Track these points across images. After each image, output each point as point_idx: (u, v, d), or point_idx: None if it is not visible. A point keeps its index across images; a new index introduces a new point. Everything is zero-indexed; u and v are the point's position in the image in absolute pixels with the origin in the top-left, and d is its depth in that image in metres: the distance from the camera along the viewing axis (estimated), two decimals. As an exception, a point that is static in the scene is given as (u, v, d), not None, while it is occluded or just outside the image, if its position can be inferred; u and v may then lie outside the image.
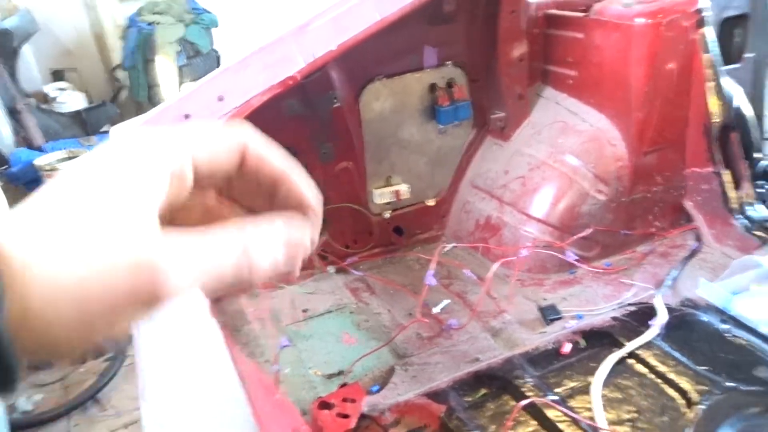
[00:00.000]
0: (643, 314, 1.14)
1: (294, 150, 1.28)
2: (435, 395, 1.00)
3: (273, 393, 0.66)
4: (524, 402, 0.94)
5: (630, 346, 1.04)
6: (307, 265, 1.41)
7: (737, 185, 1.37)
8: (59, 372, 2.43)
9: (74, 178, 0.32)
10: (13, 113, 3.44)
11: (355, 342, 1.20)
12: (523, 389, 0.98)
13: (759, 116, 1.78)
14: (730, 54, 1.86)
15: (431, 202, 1.49)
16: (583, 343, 1.09)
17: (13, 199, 1.96)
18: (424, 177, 1.47)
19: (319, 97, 1.23)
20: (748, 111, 1.54)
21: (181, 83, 4.10)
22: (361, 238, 1.43)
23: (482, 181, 1.48)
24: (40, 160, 3.16)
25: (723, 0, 1.51)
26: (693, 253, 1.36)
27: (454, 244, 1.48)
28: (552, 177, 1.37)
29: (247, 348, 1.20)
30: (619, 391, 0.97)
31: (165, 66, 4.05)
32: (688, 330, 1.11)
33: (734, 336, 1.08)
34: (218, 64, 4.08)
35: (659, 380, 0.98)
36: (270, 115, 1.17)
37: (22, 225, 0.30)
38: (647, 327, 1.09)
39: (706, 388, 0.95)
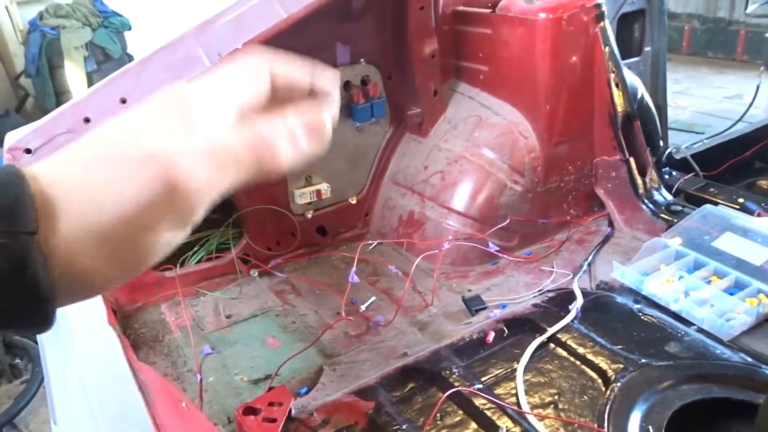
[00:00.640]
0: (562, 299, 1.18)
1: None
2: (363, 392, 0.99)
3: (178, 401, 0.64)
4: (450, 392, 0.95)
5: (550, 331, 1.07)
6: (229, 270, 1.37)
7: (642, 172, 1.44)
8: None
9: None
10: None
11: (281, 345, 1.18)
12: (450, 380, 0.99)
13: (660, 106, 1.89)
14: (630, 47, 1.96)
15: (353, 201, 1.49)
16: (506, 331, 1.11)
17: None
18: (345, 175, 1.46)
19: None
20: (649, 101, 1.62)
21: (90, 90, 3.92)
22: (284, 239, 1.40)
23: (403, 177, 1.49)
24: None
25: (621, -5, 1.59)
26: (606, 239, 1.42)
27: (378, 241, 1.48)
28: (470, 170, 1.39)
29: (169, 358, 1.16)
30: (541, 375, 0.99)
31: (73, 72, 3.86)
32: (604, 311, 1.15)
33: (646, 315, 1.13)
34: (130, 70, 3.92)
35: (578, 362, 1.02)
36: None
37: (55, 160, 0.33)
38: (566, 311, 1.13)
39: (622, 366, 0.98)
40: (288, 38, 1.18)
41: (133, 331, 1.23)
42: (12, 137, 1.01)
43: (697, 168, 1.72)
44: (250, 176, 0.39)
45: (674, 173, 1.64)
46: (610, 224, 1.46)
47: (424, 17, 1.34)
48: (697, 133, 2.95)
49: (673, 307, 1.14)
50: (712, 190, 1.59)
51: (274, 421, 0.93)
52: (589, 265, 1.32)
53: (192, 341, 1.17)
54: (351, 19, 1.32)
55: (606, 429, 0.87)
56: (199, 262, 1.35)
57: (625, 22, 1.93)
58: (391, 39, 1.38)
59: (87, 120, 0.95)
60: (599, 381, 0.97)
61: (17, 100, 4.18)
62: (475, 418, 0.92)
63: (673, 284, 1.19)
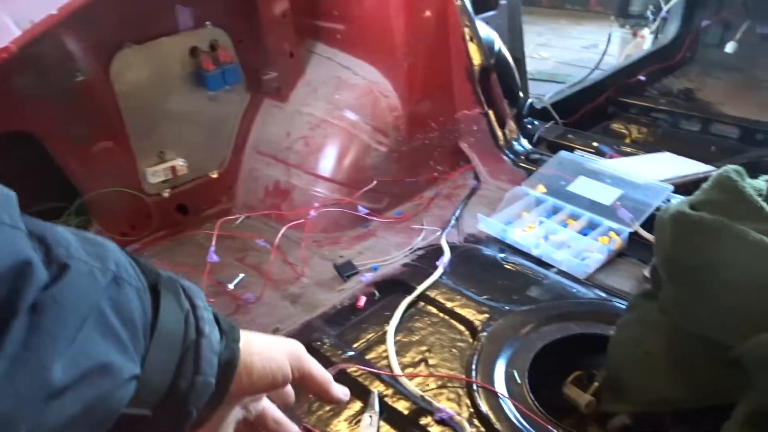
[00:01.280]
0: (432, 256, 1.19)
1: (38, 136, 1.11)
2: (232, 376, 0.94)
3: None
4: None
5: (419, 289, 1.07)
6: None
7: (502, 123, 1.48)
8: None
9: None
10: None
11: (144, 337, 1.10)
12: (321, 351, 0.97)
13: (518, 58, 1.94)
14: (486, 1, 1.98)
15: (214, 174, 1.41)
16: (377, 294, 1.10)
17: None
18: (202, 148, 1.37)
19: (56, 71, 1.07)
20: (507, 54, 1.65)
21: None
22: (140, 222, 1.30)
23: (266, 146, 1.43)
24: None
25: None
26: (473, 192, 1.45)
27: (245, 215, 1.41)
28: (333, 134, 1.35)
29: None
30: (411, 334, 1.00)
31: None
32: (471, 264, 1.17)
33: (510, 263, 1.16)
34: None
35: (447, 316, 1.03)
36: (-7, 97, 1.00)
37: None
38: (435, 268, 1.14)
39: (488, 315, 1.01)
40: (119, 3, 1.08)
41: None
42: None
43: (556, 116, 1.79)
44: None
45: (536, 122, 1.70)
46: (476, 177, 1.49)
47: (270, -26, 1.27)
48: (559, 82, 3.08)
49: (535, 252, 1.18)
50: (570, 136, 1.66)
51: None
52: (457, 219, 1.33)
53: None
54: (189, -21, 1.22)
55: (474, 379, 0.88)
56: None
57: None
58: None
59: None
60: (467, 333, 0.99)
61: None
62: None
63: (534, 230, 1.24)
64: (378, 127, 1.36)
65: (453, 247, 1.21)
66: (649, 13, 2.83)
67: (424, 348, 0.96)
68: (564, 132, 1.68)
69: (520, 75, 1.77)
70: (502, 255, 1.18)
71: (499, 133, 1.46)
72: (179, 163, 1.31)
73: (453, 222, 1.32)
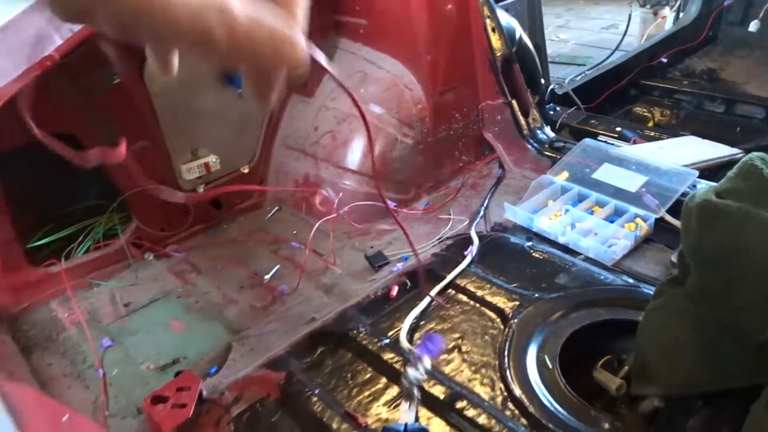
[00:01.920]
0: (460, 245, 1.22)
1: (77, 138, 1.16)
2: (273, 364, 0.99)
3: (59, 416, 0.61)
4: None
5: (448, 278, 1.10)
6: (122, 257, 1.31)
7: (525, 113, 1.49)
8: None
9: None
10: None
11: (186, 327, 1.15)
12: (357, 339, 1.01)
13: (538, 45, 1.94)
14: (507, -10, 1.98)
15: (245, 170, 1.45)
16: (409, 283, 1.14)
17: None
18: (232, 145, 1.41)
19: (93, 76, 1.11)
20: (528, 42, 1.66)
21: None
22: (177, 218, 1.35)
23: (294, 141, 1.46)
24: None
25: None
26: (498, 181, 1.47)
27: (277, 208, 1.46)
28: (359, 128, 1.38)
29: (66, 357, 1.11)
30: (444, 322, 1.03)
31: None
32: (499, 252, 1.20)
33: (537, 251, 1.19)
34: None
35: (478, 304, 1.06)
36: (36, 103, 1.04)
37: None
38: (464, 257, 1.17)
39: (518, 303, 1.04)
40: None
41: (23, 333, 1.16)
42: None
43: (578, 101, 1.80)
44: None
45: (558, 108, 1.71)
46: (501, 166, 1.51)
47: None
48: (579, 65, 3.07)
49: (562, 240, 1.21)
50: (593, 121, 1.67)
51: (184, 406, 0.92)
52: (484, 208, 1.36)
53: (89, 335, 1.12)
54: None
55: (506, 364, 0.91)
56: (86, 252, 1.27)
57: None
58: (264, -3, 1.33)
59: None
60: (498, 320, 1.02)
61: None
62: (384, 373, 0.95)
63: (560, 218, 1.26)
64: (403, 119, 1.38)
65: (481, 237, 1.23)
66: (670, -7, 2.81)
67: (456, 335, 1.00)
68: (586, 117, 1.69)
69: (540, 61, 1.77)
70: (530, 243, 1.21)
71: (523, 123, 1.48)
72: (212, 159, 1.35)
73: (482, 212, 1.34)
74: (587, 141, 1.42)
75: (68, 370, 1.08)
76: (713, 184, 0.83)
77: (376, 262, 1.23)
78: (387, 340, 1.00)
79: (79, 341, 1.13)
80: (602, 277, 1.09)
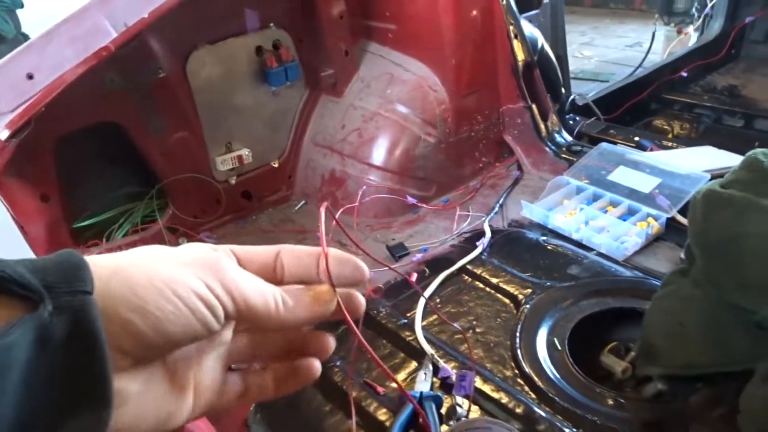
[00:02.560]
0: (476, 238, 1.28)
1: (123, 126, 1.25)
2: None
3: None
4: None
5: (459, 263, 1.17)
6: (158, 241, 1.39)
7: (545, 117, 1.55)
8: None
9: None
10: None
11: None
12: (378, 319, 1.07)
13: (560, 56, 2.00)
14: (530, 1, 2.05)
15: (275, 164, 1.53)
16: (427, 271, 1.20)
17: None
18: (264, 140, 1.49)
19: (142, 69, 1.20)
20: (549, 52, 1.72)
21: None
22: (210, 207, 1.43)
23: (322, 138, 1.54)
24: None
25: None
26: (516, 181, 1.53)
27: (304, 202, 1.53)
28: (385, 126, 1.45)
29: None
30: (460, 306, 1.09)
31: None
32: (515, 245, 1.25)
33: (551, 245, 1.24)
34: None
35: (492, 290, 1.11)
36: (89, 91, 1.13)
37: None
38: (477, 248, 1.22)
39: (530, 290, 1.09)
40: (195, 7, 1.20)
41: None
42: None
43: (598, 112, 1.84)
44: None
45: (578, 118, 1.76)
46: (519, 168, 1.56)
47: (329, -21, 1.38)
48: (602, 81, 3.12)
49: (575, 236, 1.26)
50: (612, 131, 1.71)
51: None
52: (501, 206, 1.42)
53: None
54: (256, -16, 1.34)
55: (517, 345, 0.97)
56: (125, 235, 1.36)
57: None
58: (299, 2, 1.41)
59: (-6, 97, 0.95)
60: (511, 305, 1.07)
61: None
62: (402, 349, 1.01)
63: (575, 216, 1.31)
64: (427, 119, 1.45)
65: (498, 231, 1.29)
66: (693, 11, 2.85)
67: (471, 317, 1.05)
68: (606, 127, 1.73)
69: (562, 72, 1.84)
70: (544, 237, 1.26)
71: (542, 126, 1.53)
72: (245, 152, 1.43)
73: (497, 208, 1.40)
74: (604, 145, 1.47)
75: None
76: (722, 183, 0.88)
77: (397, 252, 1.29)
78: (405, 320, 1.05)
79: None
80: (613, 270, 1.14)
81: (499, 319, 1.04)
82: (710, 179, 1.30)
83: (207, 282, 0.33)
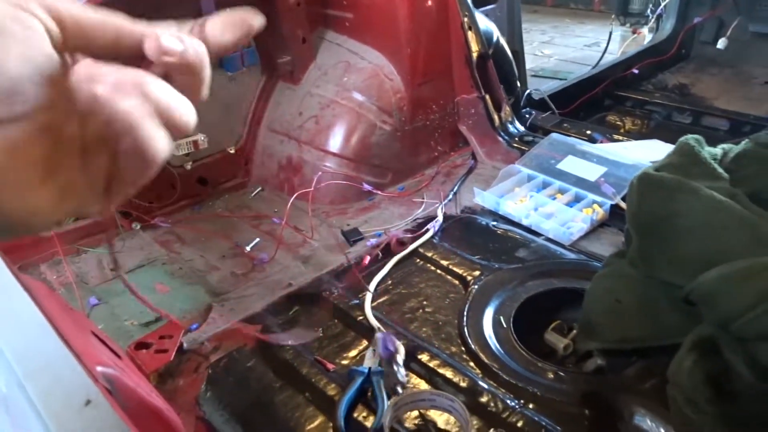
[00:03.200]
0: (429, 223, 1.30)
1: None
2: (251, 319, 1.07)
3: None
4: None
5: (411, 246, 1.19)
6: (110, 227, 1.38)
7: (498, 107, 1.59)
8: None
9: None
10: None
11: (170, 290, 1.22)
12: (330, 300, 1.09)
13: (516, 51, 2.05)
14: (490, -5, 2.08)
15: (232, 150, 1.53)
16: (380, 255, 1.22)
17: None
18: (220, 125, 1.49)
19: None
20: (505, 45, 1.76)
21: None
22: (165, 192, 1.42)
23: (279, 125, 1.54)
24: None
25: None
26: (470, 170, 1.56)
27: (260, 188, 1.54)
28: (342, 113, 1.47)
29: (54, 318, 1.17)
30: (411, 287, 1.11)
31: None
32: (466, 230, 1.29)
33: (501, 229, 1.28)
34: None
35: (442, 272, 1.14)
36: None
37: None
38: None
39: (479, 272, 1.12)
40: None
41: (14, 291, 1.22)
42: None
43: (553, 106, 1.89)
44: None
45: (533, 112, 1.80)
46: (474, 157, 1.60)
47: (286, -35, 1.39)
48: (560, 79, 3.19)
49: (525, 222, 1.30)
50: (565, 125, 1.76)
51: (165, 351, 0.99)
52: (455, 194, 1.45)
53: (77, 295, 1.18)
54: (212, -32, 1.34)
55: (464, 323, 0.99)
56: (77, 220, 1.34)
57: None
58: (256, -12, 1.42)
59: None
60: (460, 286, 1.10)
61: None
62: (353, 328, 1.03)
63: (525, 203, 1.35)
64: (383, 107, 1.47)
65: (450, 217, 1.32)
66: (648, 12, 2.94)
67: (421, 298, 1.08)
68: (560, 121, 1.78)
69: (518, 66, 1.87)
70: (495, 223, 1.30)
71: (495, 116, 1.57)
72: (200, 137, 1.42)
73: (450, 195, 1.43)
74: (554, 135, 1.52)
75: (56, 324, 1.14)
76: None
77: (352, 237, 1.31)
78: (357, 301, 1.07)
79: (68, 300, 1.19)
80: (559, 253, 1.18)
81: (448, 300, 1.07)
82: (653, 168, 1.35)
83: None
